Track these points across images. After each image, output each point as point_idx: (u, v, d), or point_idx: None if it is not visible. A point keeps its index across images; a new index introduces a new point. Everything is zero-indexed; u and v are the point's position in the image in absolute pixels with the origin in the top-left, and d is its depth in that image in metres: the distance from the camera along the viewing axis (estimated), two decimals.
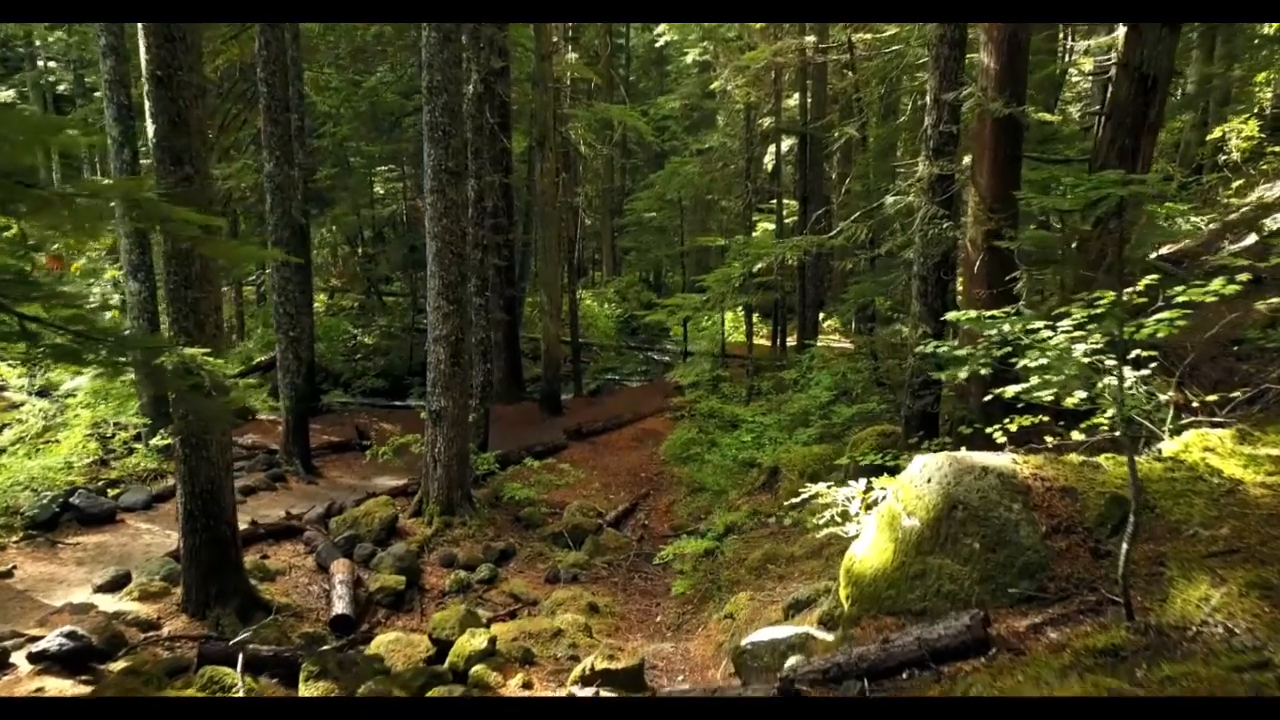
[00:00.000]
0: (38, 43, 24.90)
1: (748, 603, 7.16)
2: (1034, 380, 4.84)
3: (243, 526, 9.47)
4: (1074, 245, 6.41)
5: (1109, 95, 7.47)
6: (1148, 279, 4.06)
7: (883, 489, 5.04)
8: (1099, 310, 4.37)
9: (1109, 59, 19.80)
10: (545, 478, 11.44)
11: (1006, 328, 4.60)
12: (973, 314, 4.91)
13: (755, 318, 22.51)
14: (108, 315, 16.03)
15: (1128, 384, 4.61)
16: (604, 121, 26.11)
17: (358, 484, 11.75)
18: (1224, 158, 14.26)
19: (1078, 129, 13.06)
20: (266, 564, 8.71)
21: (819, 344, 23.59)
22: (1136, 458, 4.51)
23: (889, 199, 7.82)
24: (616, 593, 8.98)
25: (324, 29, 16.17)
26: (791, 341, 23.84)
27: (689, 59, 20.23)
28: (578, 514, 10.72)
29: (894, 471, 7.10)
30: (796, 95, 24.59)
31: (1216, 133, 14.42)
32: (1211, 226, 12.68)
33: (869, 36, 14.60)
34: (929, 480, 4.40)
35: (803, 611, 6.41)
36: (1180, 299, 4.36)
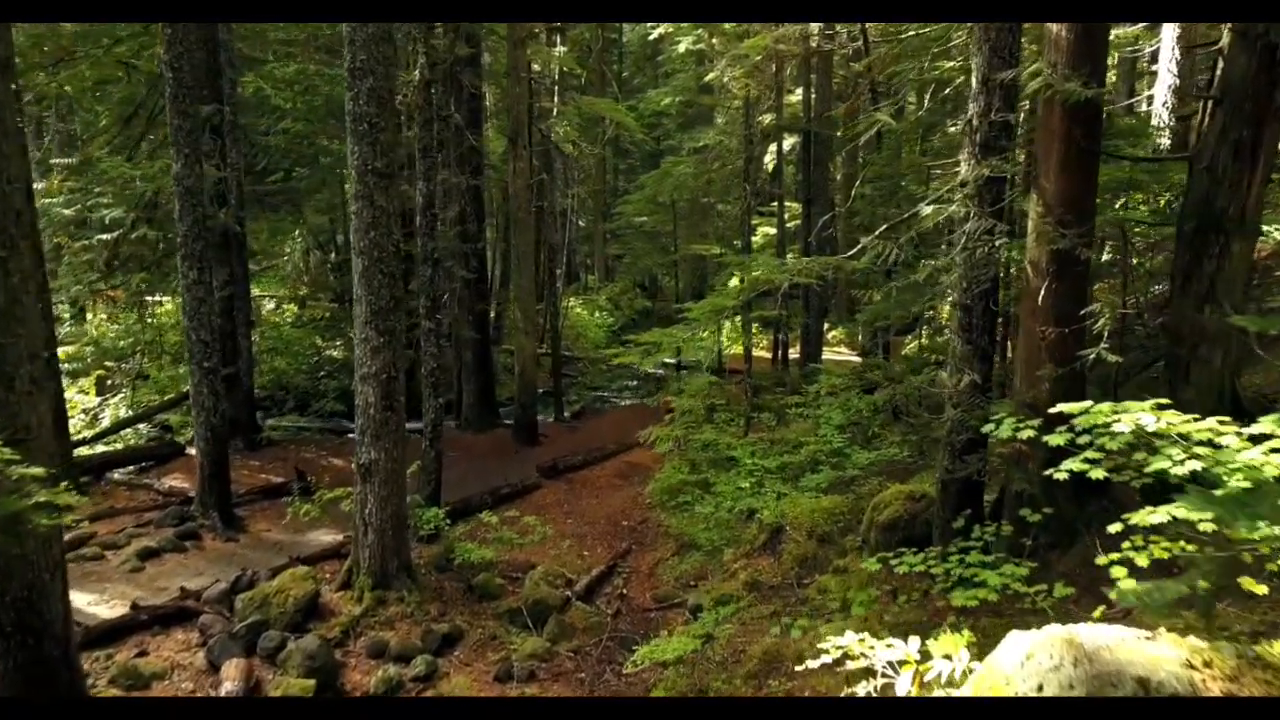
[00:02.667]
0: None
1: None
2: (1190, 498, 3.12)
3: (123, 611, 7.78)
4: None
5: (1218, 74, 5.73)
6: None
7: (946, 658, 3.32)
8: None
9: (1139, 49, 17.82)
10: (506, 534, 9.69)
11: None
12: (1102, 407, 3.16)
13: (755, 328, 20.73)
14: None
15: None
16: (594, 118, 24.39)
17: (287, 540, 9.99)
18: None
19: (1136, 121, 11.33)
20: (141, 665, 6.96)
21: (825, 357, 21.87)
22: None
23: (926, 208, 6.08)
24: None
25: None
26: (794, 353, 22.12)
27: (682, 48, 18.49)
28: (541, 583, 8.96)
29: (931, 576, 5.35)
30: (799, 91, 22.85)
31: None
32: None
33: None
34: (1040, 687, 2.65)
35: None
36: None
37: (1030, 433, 3.85)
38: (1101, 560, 3.64)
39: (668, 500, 11.37)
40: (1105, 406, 3.15)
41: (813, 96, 19.97)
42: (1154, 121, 13.71)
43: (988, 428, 4.16)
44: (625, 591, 9.36)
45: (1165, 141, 13.83)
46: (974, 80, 6.37)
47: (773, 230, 25.12)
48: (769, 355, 22.66)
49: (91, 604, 7.95)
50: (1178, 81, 14.35)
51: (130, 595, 8.17)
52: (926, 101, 14.13)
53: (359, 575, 8.36)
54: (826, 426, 10.35)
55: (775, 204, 23.92)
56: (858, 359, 22.73)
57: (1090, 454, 3.52)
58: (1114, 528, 3.27)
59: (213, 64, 12.03)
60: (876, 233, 6.29)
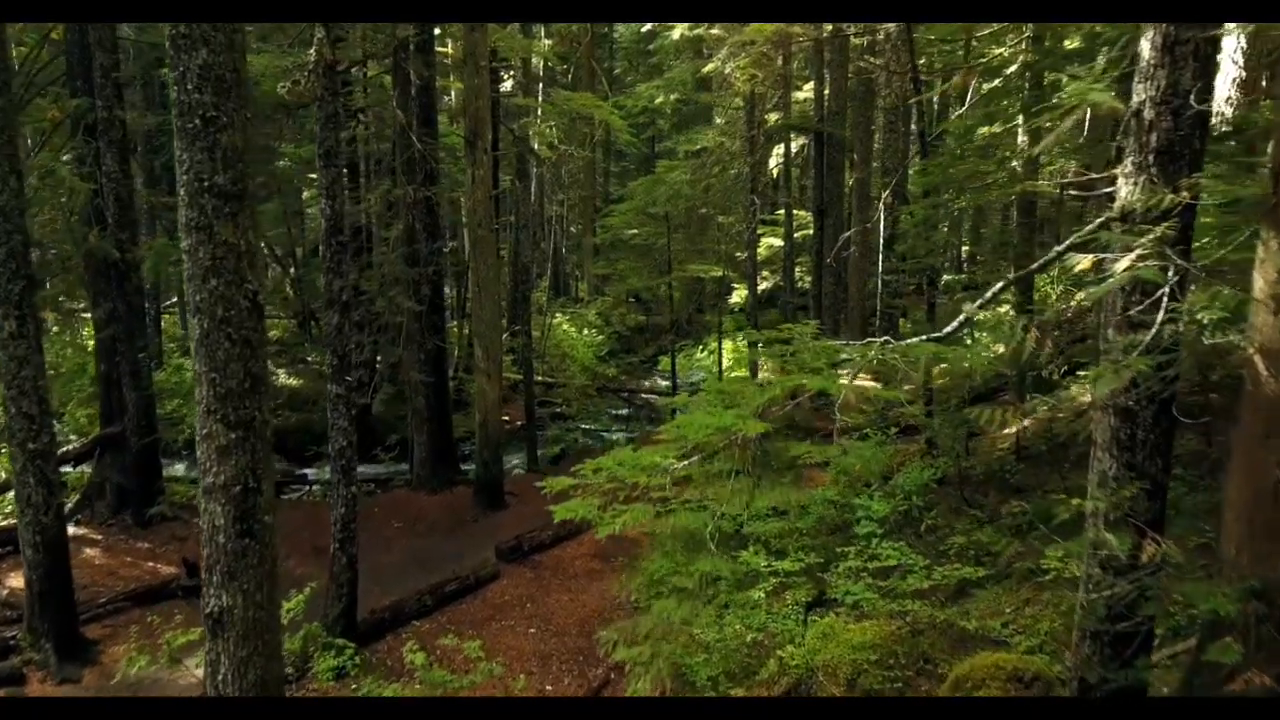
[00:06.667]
0: None
1: None
2: None
3: None
4: None
5: None
6: None
7: None
8: None
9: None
10: (436, 675, 7.18)
11: None
12: None
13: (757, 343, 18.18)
14: None
15: None
16: (583, 118, 21.92)
17: (149, 676, 7.46)
18: None
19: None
20: None
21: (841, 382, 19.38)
22: None
23: (1077, 258, 3.59)
24: None
25: None
26: None
27: (675, 35, 16.04)
28: None
29: None
30: (810, 85, 20.42)
31: None
32: None
33: None
34: None
35: None
36: None
37: None
38: None
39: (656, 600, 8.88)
40: None
41: (825, 91, 17.48)
42: (1213, 120, 11.45)
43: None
44: None
45: (1230, 143, 11.65)
46: (1145, 45, 3.91)
47: (778, 241, 22.64)
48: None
49: None
50: (1244, 74, 12.03)
51: None
52: (970, 97, 11.73)
53: None
54: (866, 524, 7.86)
55: (781, 213, 21.49)
56: (875, 384, 20.30)
57: None
58: None
59: (81, 44, 9.55)
60: (992, 292, 3.78)
